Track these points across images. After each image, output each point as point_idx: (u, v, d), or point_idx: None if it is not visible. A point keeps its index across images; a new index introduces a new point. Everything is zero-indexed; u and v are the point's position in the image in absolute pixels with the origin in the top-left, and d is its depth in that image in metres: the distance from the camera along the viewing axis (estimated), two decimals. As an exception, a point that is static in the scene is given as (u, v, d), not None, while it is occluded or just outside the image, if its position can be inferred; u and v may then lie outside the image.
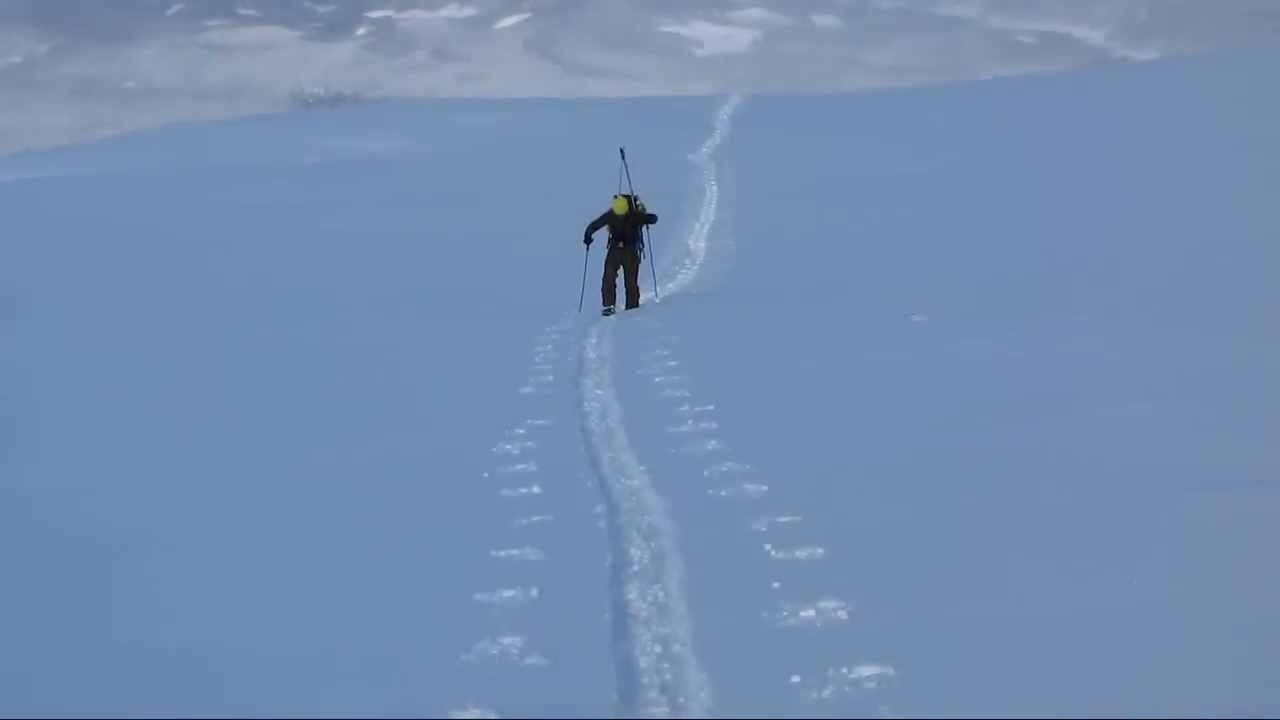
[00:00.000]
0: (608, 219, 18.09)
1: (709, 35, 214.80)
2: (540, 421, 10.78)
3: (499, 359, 14.06)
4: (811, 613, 6.21)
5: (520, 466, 9.31)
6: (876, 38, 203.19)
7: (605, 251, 18.14)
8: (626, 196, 18.17)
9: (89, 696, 5.74)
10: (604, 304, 17.77)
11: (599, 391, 12.13)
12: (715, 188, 32.05)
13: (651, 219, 18.28)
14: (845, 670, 5.55)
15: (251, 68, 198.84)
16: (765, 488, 8.32)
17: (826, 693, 5.39)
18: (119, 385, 13.59)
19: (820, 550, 7.06)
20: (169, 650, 6.22)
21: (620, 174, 18.77)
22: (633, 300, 18.04)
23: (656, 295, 18.43)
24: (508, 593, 6.73)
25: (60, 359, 15.29)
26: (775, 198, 29.85)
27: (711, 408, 10.85)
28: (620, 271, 18.04)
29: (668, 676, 5.64)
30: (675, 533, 7.49)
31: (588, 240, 18.24)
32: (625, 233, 18.02)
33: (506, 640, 6.10)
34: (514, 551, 7.36)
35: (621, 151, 19.17)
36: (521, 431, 10.42)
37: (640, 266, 18.22)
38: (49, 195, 37.38)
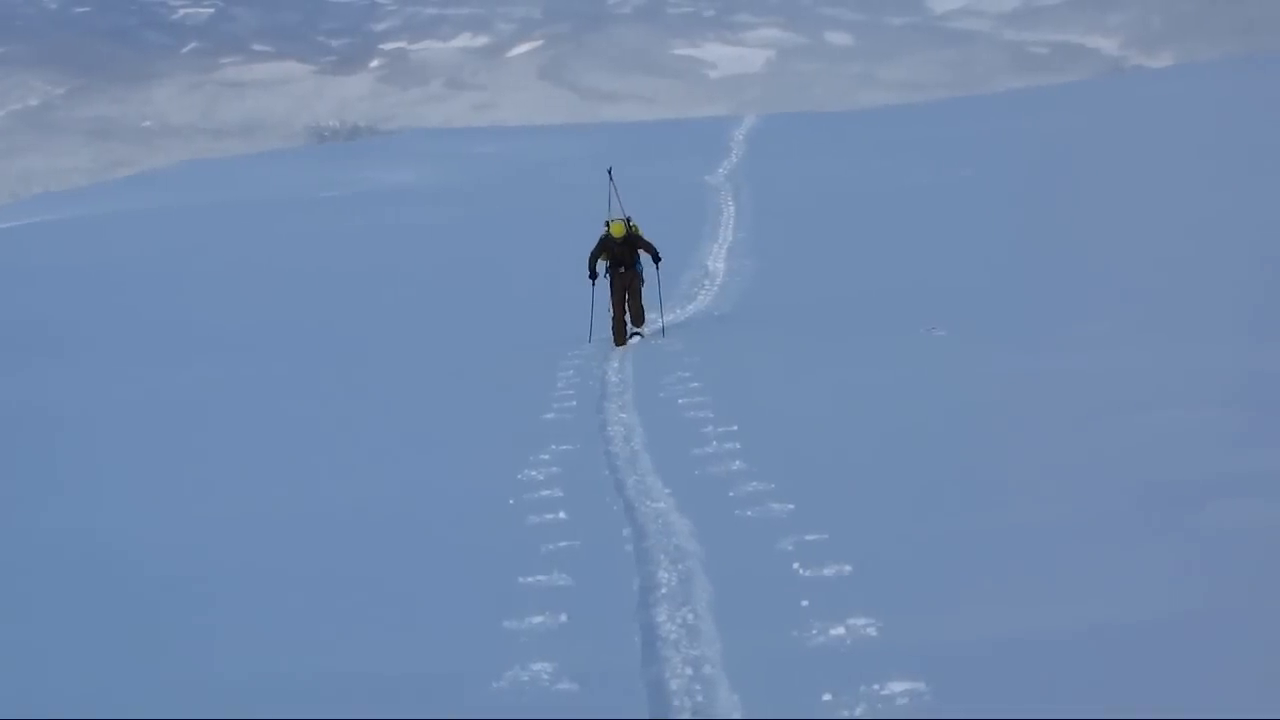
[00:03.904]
0: (605, 244, 17.23)
1: (722, 56, 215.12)
2: (565, 446, 10.79)
3: (522, 385, 14.07)
4: (841, 630, 6.20)
5: (546, 492, 9.33)
6: (889, 54, 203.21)
7: (607, 282, 17.21)
8: (623, 220, 17.30)
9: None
10: (615, 343, 16.77)
11: (622, 415, 12.13)
12: (733, 208, 31.99)
13: (654, 253, 17.34)
14: (876, 687, 5.54)
15: (267, 103, 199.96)
16: (791, 506, 8.31)
17: (858, 710, 5.38)
18: (140, 424, 13.68)
19: (848, 567, 7.05)
20: (205, 680, 6.25)
21: (609, 196, 18.16)
22: (638, 319, 17.26)
23: (663, 328, 17.48)
24: (537, 619, 6.74)
25: (112, 395, 15.41)
26: (793, 216, 29.79)
27: (735, 428, 10.85)
28: (626, 298, 17.14)
29: (699, 698, 5.64)
30: (702, 554, 7.49)
31: (592, 275, 17.30)
32: (624, 257, 17.23)
33: (537, 666, 6.11)
34: (542, 577, 7.37)
35: (609, 172, 18.75)
36: (546, 457, 10.44)
37: (643, 286, 17.32)
38: (75, 235, 37.57)
